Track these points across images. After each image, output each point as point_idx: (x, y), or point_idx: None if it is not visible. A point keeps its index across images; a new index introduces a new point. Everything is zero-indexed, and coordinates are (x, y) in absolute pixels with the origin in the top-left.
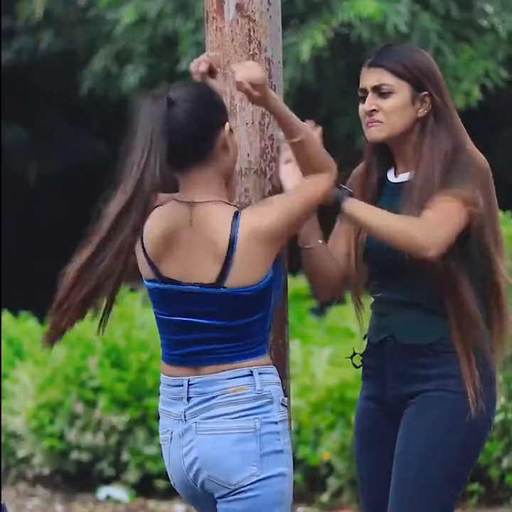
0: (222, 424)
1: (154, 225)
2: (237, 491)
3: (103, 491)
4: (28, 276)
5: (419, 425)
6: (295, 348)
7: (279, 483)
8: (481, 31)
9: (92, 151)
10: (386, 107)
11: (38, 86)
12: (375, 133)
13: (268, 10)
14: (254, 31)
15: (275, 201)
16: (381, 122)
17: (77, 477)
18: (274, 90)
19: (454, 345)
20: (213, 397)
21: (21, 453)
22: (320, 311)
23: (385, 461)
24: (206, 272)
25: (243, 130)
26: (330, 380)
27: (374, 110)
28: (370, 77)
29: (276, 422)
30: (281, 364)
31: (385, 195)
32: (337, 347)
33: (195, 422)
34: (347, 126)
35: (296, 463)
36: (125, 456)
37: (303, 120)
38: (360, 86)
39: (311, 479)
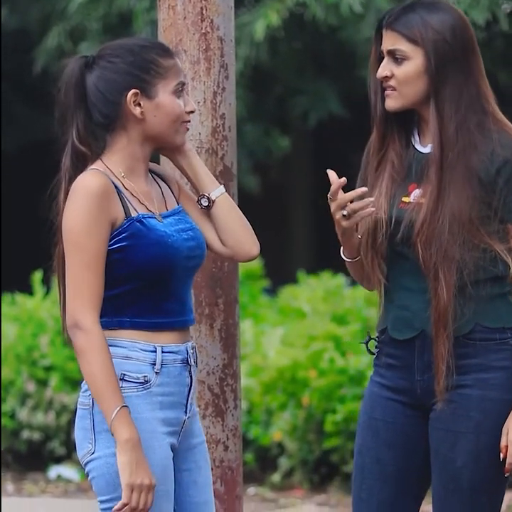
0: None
1: None
2: (84, 468)
3: (54, 470)
4: None
5: (463, 430)
6: (247, 328)
7: (114, 464)
8: None
9: (47, 128)
10: (399, 74)
11: None
12: (389, 102)
13: None
14: (206, 9)
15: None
16: (395, 89)
17: (28, 456)
18: (227, 69)
19: (494, 331)
20: None
21: None
22: (272, 291)
23: (404, 457)
24: None
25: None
26: (282, 360)
27: (387, 77)
28: (386, 41)
29: None
30: (232, 343)
31: (415, 168)
32: (289, 327)
33: None
34: (302, 105)
35: (247, 443)
36: None
37: (263, 100)
38: (381, 47)
39: (262, 459)
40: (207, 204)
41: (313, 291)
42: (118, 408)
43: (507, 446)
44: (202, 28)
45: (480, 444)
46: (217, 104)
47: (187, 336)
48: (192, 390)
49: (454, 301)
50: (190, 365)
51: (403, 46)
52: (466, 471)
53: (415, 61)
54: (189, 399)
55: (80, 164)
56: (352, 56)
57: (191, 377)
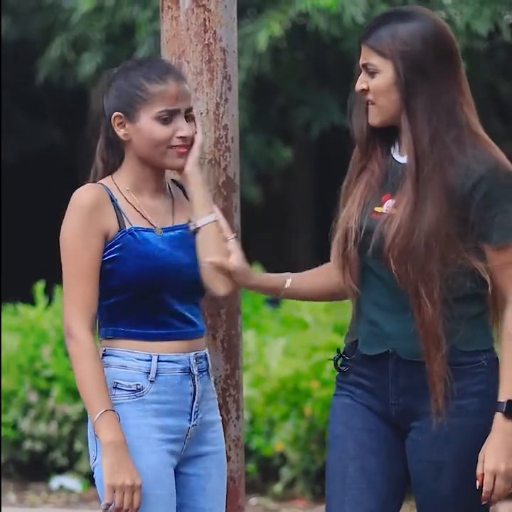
0: None
1: None
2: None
3: (56, 481)
4: None
5: (444, 459)
6: (249, 339)
7: None
8: None
9: (48, 139)
10: (372, 86)
11: None
12: (370, 117)
13: None
14: (209, 21)
15: None
16: (374, 103)
17: (30, 467)
18: (229, 80)
19: (469, 354)
20: None
21: None
22: (275, 301)
23: (388, 463)
24: None
25: (197, 120)
26: (284, 370)
27: (364, 90)
28: (361, 55)
29: None
30: (234, 354)
31: (391, 177)
32: (291, 338)
33: None
34: (305, 115)
35: (250, 453)
36: (78, 445)
37: (265, 110)
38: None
39: (264, 470)
40: (192, 229)
41: (315, 302)
42: (101, 411)
43: (483, 474)
44: (205, 39)
45: (462, 472)
46: (220, 115)
47: (193, 345)
48: (197, 399)
49: (441, 317)
50: (193, 374)
51: (374, 60)
52: (450, 500)
53: (385, 74)
54: (194, 407)
55: (100, 177)
56: (354, 67)
57: (195, 386)
